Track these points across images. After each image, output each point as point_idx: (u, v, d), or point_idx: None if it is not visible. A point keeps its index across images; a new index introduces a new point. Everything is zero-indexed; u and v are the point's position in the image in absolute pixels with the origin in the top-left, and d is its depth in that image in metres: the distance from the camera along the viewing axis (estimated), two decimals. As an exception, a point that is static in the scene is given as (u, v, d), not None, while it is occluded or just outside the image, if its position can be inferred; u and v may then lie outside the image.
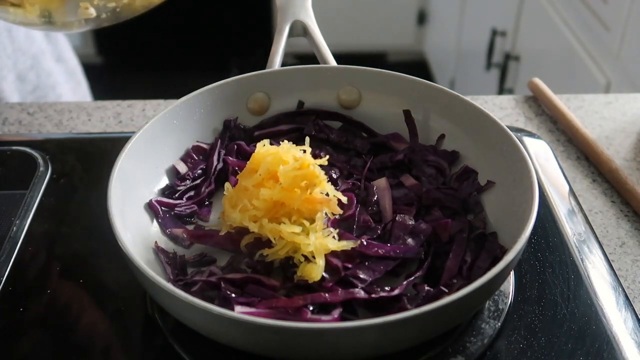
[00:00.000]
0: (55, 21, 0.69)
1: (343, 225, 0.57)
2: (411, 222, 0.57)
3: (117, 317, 0.56)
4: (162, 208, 0.60)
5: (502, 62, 1.96)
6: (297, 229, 0.52)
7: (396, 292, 0.51)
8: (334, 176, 0.63)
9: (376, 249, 0.54)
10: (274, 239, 0.53)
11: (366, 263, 0.53)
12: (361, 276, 0.52)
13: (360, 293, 0.51)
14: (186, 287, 0.52)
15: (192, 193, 0.63)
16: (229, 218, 0.56)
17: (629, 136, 0.82)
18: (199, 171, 0.65)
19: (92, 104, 0.87)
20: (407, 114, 0.68)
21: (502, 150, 0.60)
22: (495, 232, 0.57)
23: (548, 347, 0.53)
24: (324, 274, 0.52)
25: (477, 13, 2.28)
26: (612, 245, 0.66)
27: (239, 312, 0.48)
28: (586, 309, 0.56)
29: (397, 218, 0.57)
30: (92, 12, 0.68)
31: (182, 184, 0.63)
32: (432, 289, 0.52)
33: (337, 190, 0.57)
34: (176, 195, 0.62)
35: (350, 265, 0.53)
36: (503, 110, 0.87)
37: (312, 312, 0.49)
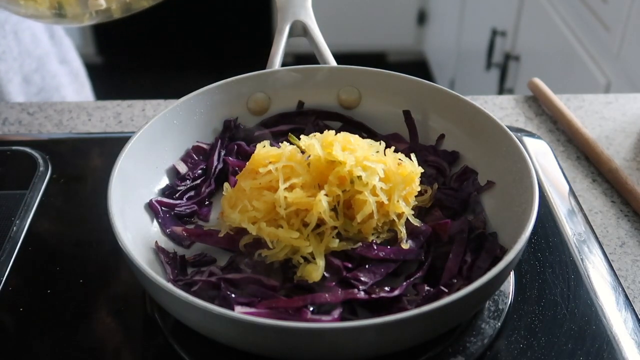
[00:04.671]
0: (65, 13, 0.69)
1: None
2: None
3: (117, 317, 0.56)
4: (162, 208, 0.60)
5: (502, 62, 1.96)
6: (295, 234, 0.52)
7: (396, 292, 0.51)
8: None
9: (377, 251, 0.54)
10: (272, 242, 0.53)
11: (367, 266, 0.53)
12: (362, 279, 0.52)
13: (361, 293, 0.51)
14: (186, 287, 0.52)
15: (192, 193, 0.63)
16: (228, 218, 0.55)
17: (629, 136, 0.82)
18: (199, 171, 0.65)
19: (92, 103, 0.87)
20: (407, 114, 0.68)
21: (502, 150, 0.60)
22: (495, 232, 0.57)
23: (548, 347, 0.53)
24: (325, 273, 0.52)
25: (477, 13, 2.28)
26: (612, 245, 0.66)
27: (239, 312, 0.48)
28: (586, 309, 0.56)
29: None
30: (102, 2, 0.67)
31: (182, 184, 0.63)
32: (432, 289, 0.52)
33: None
34: (176, 195, 0.62)
35: (350, 265, 0.53)
36: (503, 110, 0.87)
37: (312, 312, 0.49)
